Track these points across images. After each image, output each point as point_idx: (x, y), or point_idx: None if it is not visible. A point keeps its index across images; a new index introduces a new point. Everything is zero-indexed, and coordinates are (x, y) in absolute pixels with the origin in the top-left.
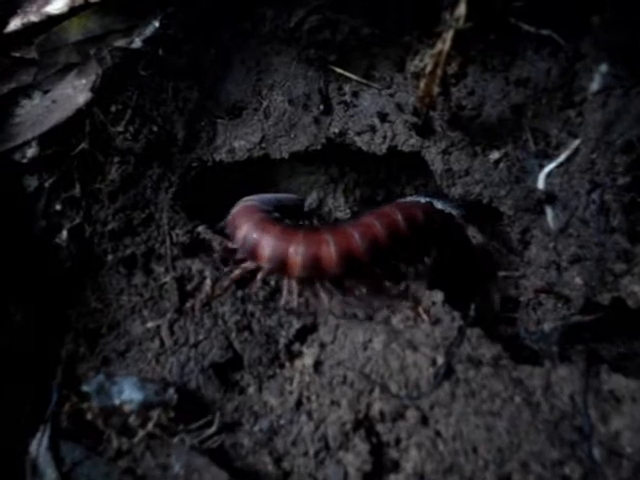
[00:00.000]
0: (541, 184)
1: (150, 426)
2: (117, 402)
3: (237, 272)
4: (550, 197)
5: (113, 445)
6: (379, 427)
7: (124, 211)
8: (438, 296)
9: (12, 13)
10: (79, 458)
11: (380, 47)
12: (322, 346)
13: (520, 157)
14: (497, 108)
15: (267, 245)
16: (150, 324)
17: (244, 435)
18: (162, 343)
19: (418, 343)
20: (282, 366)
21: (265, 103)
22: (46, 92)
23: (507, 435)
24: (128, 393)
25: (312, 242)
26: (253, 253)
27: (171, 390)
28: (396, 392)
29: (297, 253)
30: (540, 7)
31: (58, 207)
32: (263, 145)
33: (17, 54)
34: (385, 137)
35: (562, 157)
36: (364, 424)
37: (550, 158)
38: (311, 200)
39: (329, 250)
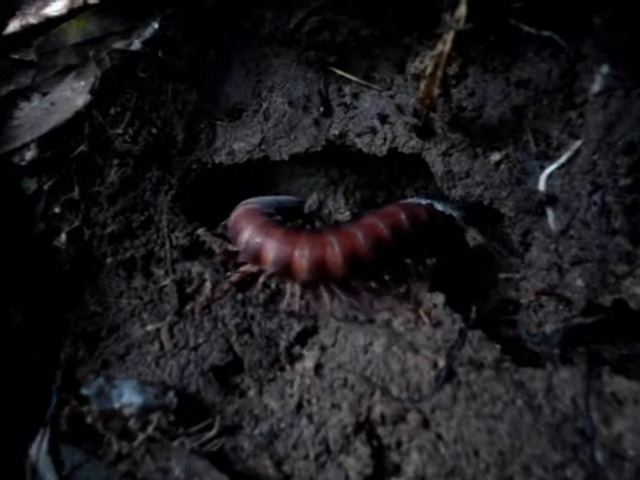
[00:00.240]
0: (542, 186)
1: (150, 429)
2: (117, 405)
3: (238, 275)
4: (551, 199)
5: (113, 449)
6: (380, 430)
7: (123, 214)
8: (439, 298)
9: (11, 15)
10: (79, 462)
11: (380, 48)
12: (323, 349)
13: (521, 158)
14: (498, 109)
15: (271, 249)
16: (150, 327)
17: (244, 438)
18: (162, 346)
19: (419, 346)
20: (282, 369)
21: (265, 105)
22: (45, 94)
23: (509, 438)
24: (128, 396)
25: (316, 244)
26: (256, 257)
27: (171, 393)
28: (397, 395)
29: (302, 256)
30: (541, 8)
31: (57, 210)
32: (263, 147)
33: (16, 56)
34: (385, 139)
35: (563, 158)
36: (365, 427)
37: (551, 159)
38: (311, 202)
39: (334, 252)
